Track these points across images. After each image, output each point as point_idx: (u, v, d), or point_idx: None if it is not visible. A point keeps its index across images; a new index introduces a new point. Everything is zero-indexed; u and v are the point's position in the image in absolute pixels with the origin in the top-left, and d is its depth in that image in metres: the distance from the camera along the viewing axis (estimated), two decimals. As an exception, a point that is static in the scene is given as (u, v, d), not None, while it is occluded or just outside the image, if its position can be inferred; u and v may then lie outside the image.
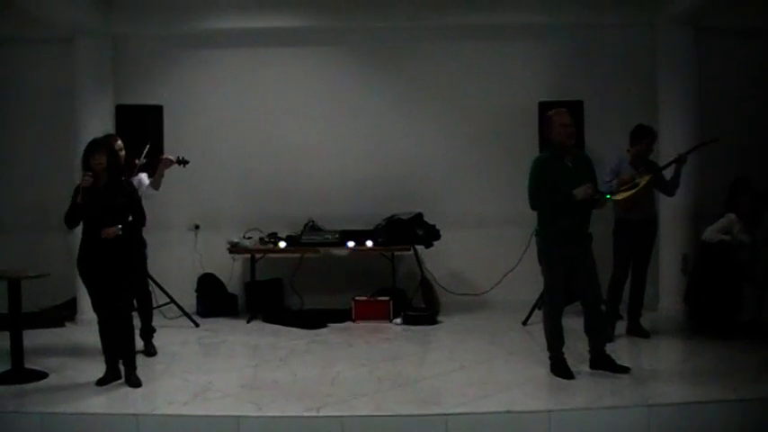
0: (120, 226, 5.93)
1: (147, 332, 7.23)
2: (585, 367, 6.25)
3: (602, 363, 6.21)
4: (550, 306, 6.25)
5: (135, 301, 6.88)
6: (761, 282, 7.65)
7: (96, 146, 6.05)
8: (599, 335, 6.28)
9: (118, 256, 5.97)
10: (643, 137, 7.41)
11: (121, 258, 5.99)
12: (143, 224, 6.29)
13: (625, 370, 6.14)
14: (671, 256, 8.64)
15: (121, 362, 6.10)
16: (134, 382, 5.98)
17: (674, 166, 7.31)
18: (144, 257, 7.24)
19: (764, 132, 9.07)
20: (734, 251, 7.46)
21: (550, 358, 6.24)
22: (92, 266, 6.06)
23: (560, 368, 6.12)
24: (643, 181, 7.25)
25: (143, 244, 7.13)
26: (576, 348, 6.45)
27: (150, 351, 7.10)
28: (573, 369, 6.13)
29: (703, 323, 7.63)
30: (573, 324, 6.52)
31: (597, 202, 6.15)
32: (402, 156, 9.46)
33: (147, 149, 7.43)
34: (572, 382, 5.95)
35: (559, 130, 6.08)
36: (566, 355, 6.21)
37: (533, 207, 6.17)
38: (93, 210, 5.97)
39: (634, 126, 7.51)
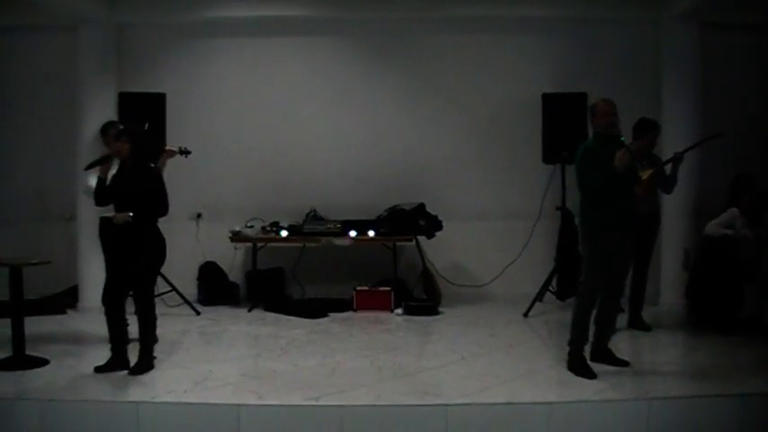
0: (131, 213, 5.94)
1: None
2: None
3: (602, 356, 6.19)
4: (586, 297, 6.06)
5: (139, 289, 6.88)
6: (762, 280, 7.63)
7: (120, 132, 6.19)
8: (607, 328, 6.23)
9: (129, 242, 6.00)
10: (646, 131, 7.38)
11: (132, 244, 6.00)
12: (163, 213, 6.21)
13: (624, 363, 6.12)
14: (672, 251, 8.63)
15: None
16: (139, 369, 5.98)
17: (671, 164, 7.27)
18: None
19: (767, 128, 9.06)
20: (736, 246, 7.45)
21: (570, 353, 6.07)
22: (111, 249, 6.26)
23: (580, 365, 5.95)
24: (645, 174, 7.23)
25: None
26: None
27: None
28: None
29: (704, 318, 7.63)
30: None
31: (635, 174, 6.13)
32: (405, 147, 9.45)
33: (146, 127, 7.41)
34: (572, 374, 5.92)
35: (602, 118, 6.03)
36: (554, 347, 6.18)
37: (582, 186, 6.03)
38: (115, 193, 6.10)
39: (637, 119, 7.49)
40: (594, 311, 6.19)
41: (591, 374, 5.85)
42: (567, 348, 6.10)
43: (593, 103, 6.21)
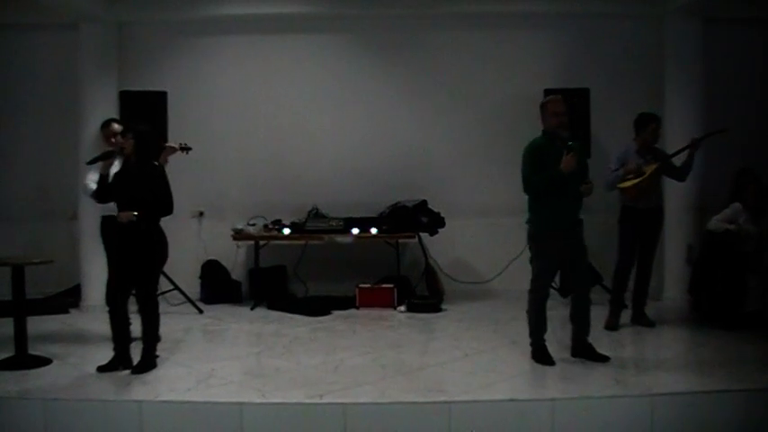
0: (135, 213, 5.93)
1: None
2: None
3: (582, 351, 6.22)
4: (537, 293, 6.21)
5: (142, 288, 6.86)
6: (766, 273, 7.62)
7: (125, 129, 6.22)
8: (583, 323, 6.25)
9: (132, 241, 5.98)
10: (647, 124, 7.39)
11: (135, 243, 5.98)
12: (168, 212, 6.18)
13: (605, 359, 6.13)
14: (676, 246, 8.61)
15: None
16: (142, 368, 5.97)
17: (686, 151, 7.28)
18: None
19: (770, 122, 9.05)
20: (739, 241, 7.43)
21: (531, 344, 6.24)
22: (113, 247, 6.26)
23: (541, 355, 6.15)
24: (649, 170, 7.23)
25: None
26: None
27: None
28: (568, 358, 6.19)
29: (708, 313, 7.61)
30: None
31: (585, 178, 6.10)
32: (407, 143, 9.43)
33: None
34: (576, 371, 5.92)
35: (552, 118, 6.08)
36: (557, 343, 6.19)
37: (527, 191, 6.15)
38: (120, 193, 6.08)
39: (637, 115, 7.49)
40: (569, 310, 6.33)
41: (551, 362, 6.06)
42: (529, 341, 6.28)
43: (544, 101, 6.25)
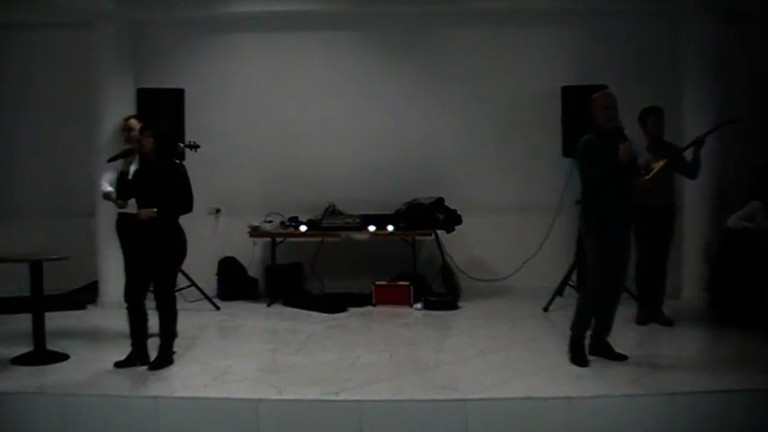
0: (155, 210, 5.95)
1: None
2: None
3: (600, 349, 6.20)
4: (595, 287, 6.14)
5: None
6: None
7: (144, 127, 6.20)
8: (607, 321, 6.24)
9: (151, 238, 6.00)
10: (647, 117, 7.37)
11: (154, 240, 5.99)
12: (188, 210, 6.19)
13: (622, 357, 6.12)
14: (694, 245, 8.55)
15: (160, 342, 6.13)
16: (159, 364, 6.00)
17: (692, 148, 7.22)
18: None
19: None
20: (757, 239, 7.38)
21: (572, 338, 6.18)
22: (130, 244, 6.34)
23: (578, 353, 6.08)
24: (657, 166, 7.16)
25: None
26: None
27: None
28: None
29: (725, 312, 7.57)
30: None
31: (636, 166, 6.21)
32: (423, 140, 9.42)
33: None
34: (593, 369, 5.91)
35: (600, 112, 6.12)
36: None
37: (585, 181, 6.13)
38: (139, 190, 6.11)
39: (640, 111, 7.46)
40: None
41: (585, 363, 6.02)
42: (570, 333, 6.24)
43: (594, 96, 6.26)
